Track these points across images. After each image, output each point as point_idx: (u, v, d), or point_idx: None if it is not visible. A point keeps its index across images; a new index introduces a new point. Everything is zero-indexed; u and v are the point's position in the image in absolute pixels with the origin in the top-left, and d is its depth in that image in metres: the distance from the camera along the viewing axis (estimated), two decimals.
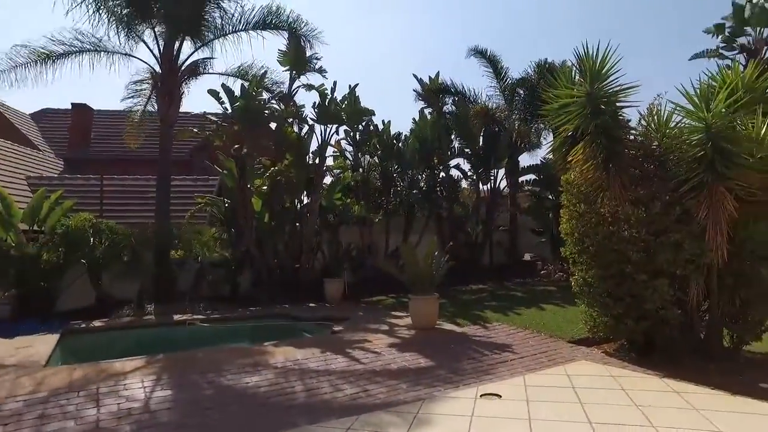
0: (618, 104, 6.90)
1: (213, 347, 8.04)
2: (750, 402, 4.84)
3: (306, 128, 13.43)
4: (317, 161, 13.23)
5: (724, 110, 6.08)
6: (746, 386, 5.37)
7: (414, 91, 17.20)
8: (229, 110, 12.13)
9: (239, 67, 13.17)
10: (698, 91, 6.33)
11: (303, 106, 13.62)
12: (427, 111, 16.17)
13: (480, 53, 16.20)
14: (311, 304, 11.63)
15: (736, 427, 4.19)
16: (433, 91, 16.69)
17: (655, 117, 7.11)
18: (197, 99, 31.29)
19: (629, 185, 6.64)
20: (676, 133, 6.65)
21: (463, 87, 16.62)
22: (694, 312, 6.52)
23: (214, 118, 13.04)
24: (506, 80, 16.25)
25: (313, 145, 13.38)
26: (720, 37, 12.26)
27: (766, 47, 11.69)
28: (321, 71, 13.54)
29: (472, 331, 8.52)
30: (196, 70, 12.66)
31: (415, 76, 17.04)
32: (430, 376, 6.02)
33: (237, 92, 12.07)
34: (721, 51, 12.20)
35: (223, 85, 12.16)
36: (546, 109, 7.86)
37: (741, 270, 6.35)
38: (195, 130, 13.07)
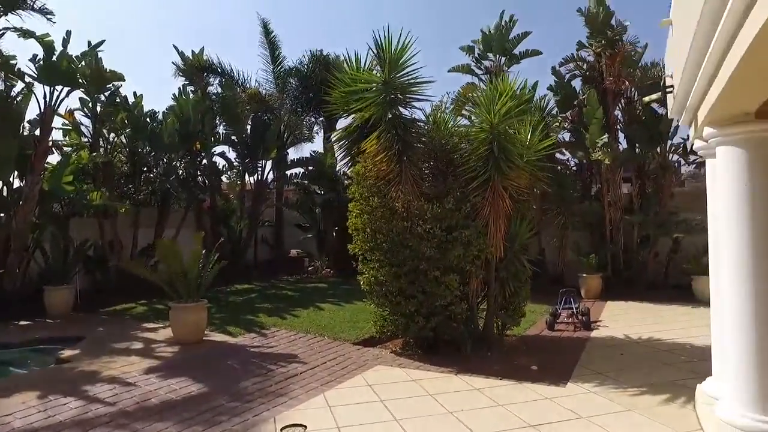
0: (414, 96, 6.78)
1: None
2: (535, 387, 5.12)
3: (20, 86, 10.02)
4: (38, 132, 10.01)
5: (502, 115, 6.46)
6: (523, 371, 5.76)
7: (173, 64, 14.83)
8: None
9: None
10: (485, 94, 6.60)
11: (15, 57, 10.11)
12: (190, 89, 14.08)
13: (266, 30, 14.98)
14: (24, 322, 8.63)
15: (536, 416, 4.27)
16: (197, 68, 14.65)
17: (443, 114, 7.27)
18: None
19: (423, 179, 6.57)
20: (464, 131, 6.86)
21: (232, 68, 15.12)
22: (474, 304, 6.82)
23: None
24: (281, 67, 15.36)
25: (33, 111, 10.12)
26: (471, 56, 13.85)
27: (502, 72, 13.65)
28: (46, 13, 10.25)
29: (249, 341, 7.38)
30: None
31: (176, 48, 14.68)
32: (207, 409, 4.72)
33: None
34: (473, 68, 13.78)
35: None
36: (335, 94, 7.35)
37: (511, 263, 6.90)
38: None
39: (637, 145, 11.97)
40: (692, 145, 4.61)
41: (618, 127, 12.10)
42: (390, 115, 6.58)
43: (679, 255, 11.41)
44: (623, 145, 12.13)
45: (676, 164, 12.06)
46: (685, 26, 3.53)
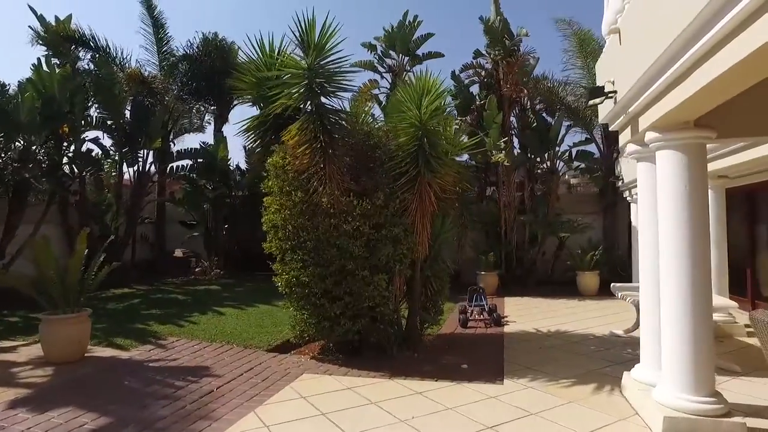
0: (339, 85, 6.40)
1: None
2: (474, 386, 5.04)
3: None
4: None
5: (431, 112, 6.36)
6: (455, 370, 5.65)
7: (31, 29, 12.59)
8: None
9: None
10: (413, 89, 6.41)
11: None
12: (55, 62, 12.04)
13: (148, 5, 13.30)
14: None
15: (490, 416, 4.17)
16: (63, 38, 12.62)
17: (363, 107, 6.98)
18: None
19: (348, 174, 6.22)
20: (391, 127, 6.62)
21: (108, 43, 13.31)
22: (398, 304, 6.63)
23: None
24: (167, 48, 13.85)
25: None
26: (373, 53, 13.75)
27: (405, 72, 13.76)
28: None
29: (145, 355, 6.41)
30: None
31: (32, 9, 12.48)
32: None
33: None
34: (375, 65, 13.68)
35: None
36: (245, 79, 6.83)
37: (435, 261, 6.84)
38: None
39: (529, 150, 12.81)
40: (623, 147, 4.87)
41: (512, 132, 12.84)
42: (315, 105, 6.15)
43: (564, 253, 12.43)
44: (517, 149, 12.90)
45: (561, 170, 13.10)
46: (641, 45, 3.71)
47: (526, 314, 9.17)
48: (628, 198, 11.13)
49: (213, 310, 9.15)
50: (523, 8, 25.91)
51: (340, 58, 6.19)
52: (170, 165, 14.49)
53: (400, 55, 13.66)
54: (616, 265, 11.96)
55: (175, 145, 14.72)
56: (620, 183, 11.41)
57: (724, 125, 3.94)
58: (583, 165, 12.96)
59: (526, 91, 12.01)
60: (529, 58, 12.26)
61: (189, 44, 14.19)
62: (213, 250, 15.01)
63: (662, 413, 3.76)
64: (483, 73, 12.97)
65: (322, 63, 6.14)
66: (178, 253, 15.37)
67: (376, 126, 6.96)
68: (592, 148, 13.03)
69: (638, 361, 5.54)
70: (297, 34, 6.17)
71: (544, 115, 12.86)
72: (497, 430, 3.90)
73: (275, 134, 6.96)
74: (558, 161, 12.74)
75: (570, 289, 11.66)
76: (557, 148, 12.57)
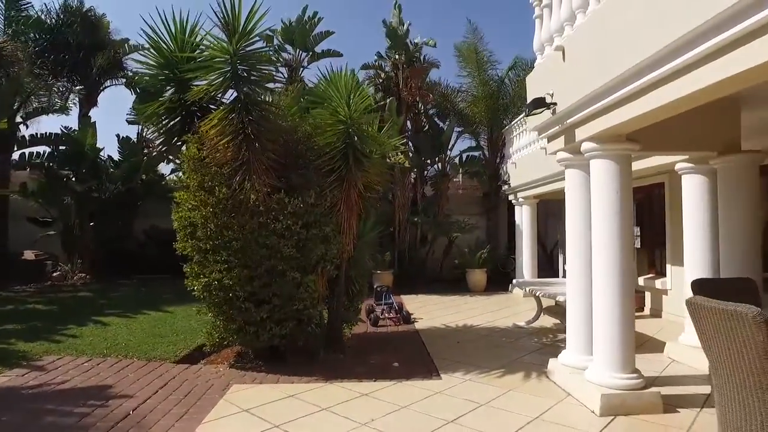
0: (264, 71, 6.06)
1: None
2: (416, 384, 5.07)
3: None
4: None
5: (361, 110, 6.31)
6: (388, 370, 5.64)
7: None
8: None
9: None
10: (341, 84, 6.27)
11: None
12: None
13: None
14: None
15: (446, 411, 4.20)
16: None
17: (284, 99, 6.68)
18: None
19: (277, 170, 5.88)
20: (316, 123, 6.40)
21: None
22: (323, 305, 6.45)
23: None
24: (22, 11, 11.73)
25: None
26: (269, 45, 13.16)
27: (302, 68, 13.44)
28: None
29: (19, 381, 5.33)
30: None
31: None
32: None
33: None
34: (271, 57, 13.09)
35: None
36: (151, 60, 6.26)
37: (357, 262, 6.77)
38: None
39: (421, 152, 13.33)
40: (553, 153, 5.31)
41: (407, 135, 13.25)
42: (242, 93, 5.72)
43: (453, 251, 13.18)
44: (411, 151, 13.34)
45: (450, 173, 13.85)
46: (589, 65, 4.11)
47: (427, 311, 9.52)
48: (513, 201, 12.18)
49: (93, 321, 7.98)
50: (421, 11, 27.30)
51: (265, 46, 5.89)
52: (20, 151, 12.32)
53: (298, 50, 13.32)
54: (497, 263, 13.01)
55: (27, 127, 12.55)
56: (506, 187, 12.43)
57: (644, 140, 4.51)
58: (472, 170, 13.85)
59: (431, 96, 12.47)
60: (430, 66, 12.76)
61: (45, 9, 12.17)
62: (75, 251, 13.12)
63: (599, 392, 4.19)
64: (383, 75, 13.19)
65: (247, 49, 5.75)
66: (29, 255, 13.10)
67: (304, 121, 6.68)
68: (479, 153, 14.00)
69: (547, 349, 6.15)
70: (220, 15, 5.69)
71: (436, 119, 13.49)
72: (461, 423, 3.99)
73: (186, 122, 6.39)
74: (448, 165, 13.46)
75: (459, 286, 12.41)
76: (449, 152, 13.29)
